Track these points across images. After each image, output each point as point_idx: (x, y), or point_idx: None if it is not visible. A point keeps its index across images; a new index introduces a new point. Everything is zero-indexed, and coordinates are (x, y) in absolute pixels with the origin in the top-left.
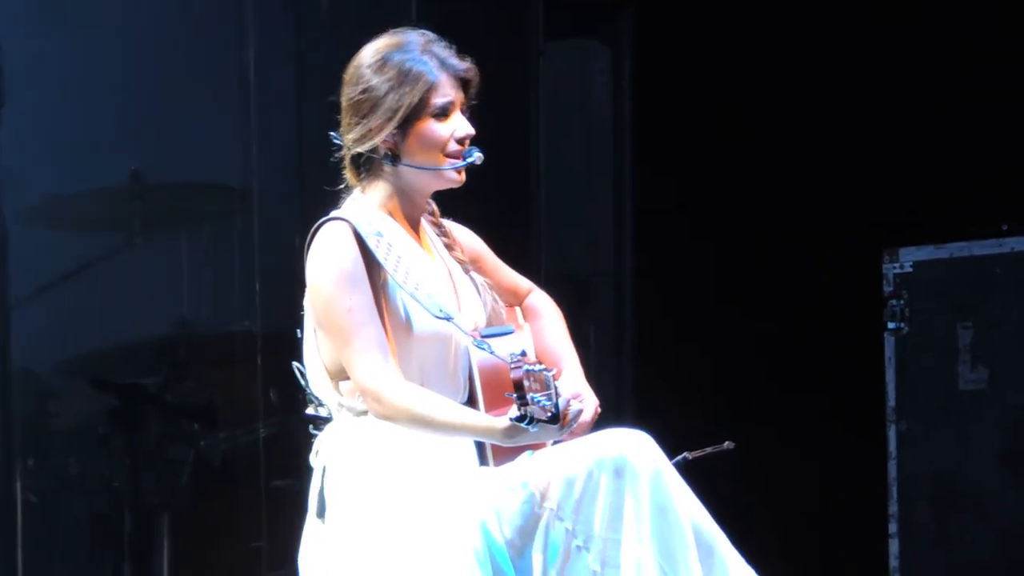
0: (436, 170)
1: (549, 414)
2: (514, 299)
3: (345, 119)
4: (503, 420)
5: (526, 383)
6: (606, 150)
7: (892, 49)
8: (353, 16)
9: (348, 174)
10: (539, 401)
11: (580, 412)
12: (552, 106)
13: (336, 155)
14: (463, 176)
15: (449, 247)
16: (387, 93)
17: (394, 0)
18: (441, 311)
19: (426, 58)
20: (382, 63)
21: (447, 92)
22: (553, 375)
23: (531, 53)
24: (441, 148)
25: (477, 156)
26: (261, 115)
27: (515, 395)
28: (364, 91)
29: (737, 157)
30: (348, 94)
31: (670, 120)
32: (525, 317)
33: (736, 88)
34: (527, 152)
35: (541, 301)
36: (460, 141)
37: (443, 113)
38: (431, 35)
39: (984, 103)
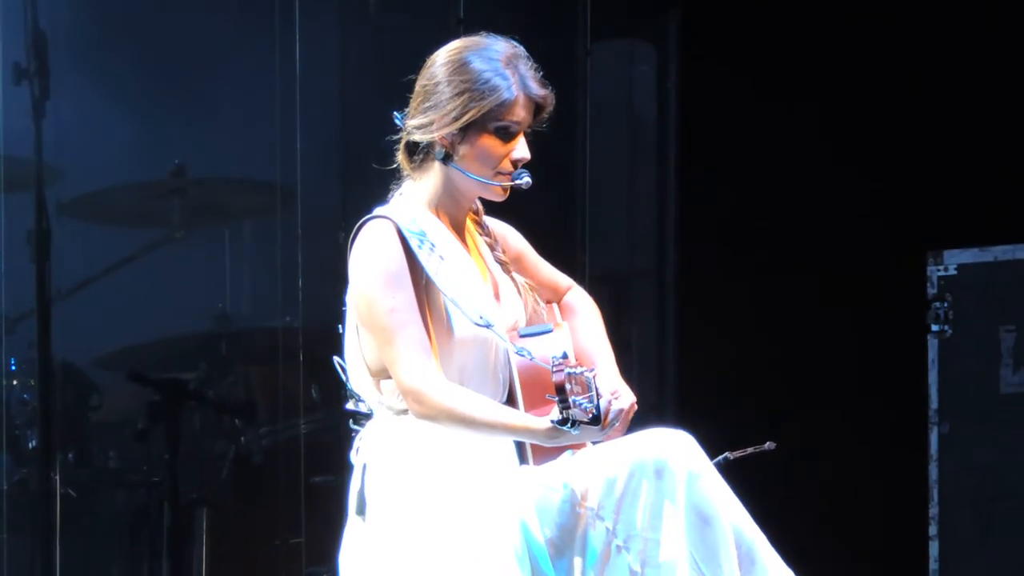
0: (482, 182)
1: (590, 416)
2: (553, 296)
3: (414, 103)
4: (544, 421)
5: (568, 386)
6: (651, 150)
7: (939, 51)
8: (399, 12)
9: (400, 156)
10: (581, 404)
11: (620, 411)
12: (597, 106)
13: (394, 135)
14: (507, 193)
15: (491, 247)
16: (459, 94)
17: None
18: (481, 318)
19: (508, 72)
20: (464, 63)
21: (518, 114)
22: (593, 376)
23: (577, 54)
24: (494, 165)
25: (526, 180)
26: (305, 110)
27: (557, 398)
28: (437, 84)
29: (781, 158)
30: (423, 81)
31: (715, 121)
32: (562, 314)
33: (781, 89)
34: (572, 152)
35: (578, 298)
36: (514, 163)
37: (506, 132)
38: (521, 50)
39: None
